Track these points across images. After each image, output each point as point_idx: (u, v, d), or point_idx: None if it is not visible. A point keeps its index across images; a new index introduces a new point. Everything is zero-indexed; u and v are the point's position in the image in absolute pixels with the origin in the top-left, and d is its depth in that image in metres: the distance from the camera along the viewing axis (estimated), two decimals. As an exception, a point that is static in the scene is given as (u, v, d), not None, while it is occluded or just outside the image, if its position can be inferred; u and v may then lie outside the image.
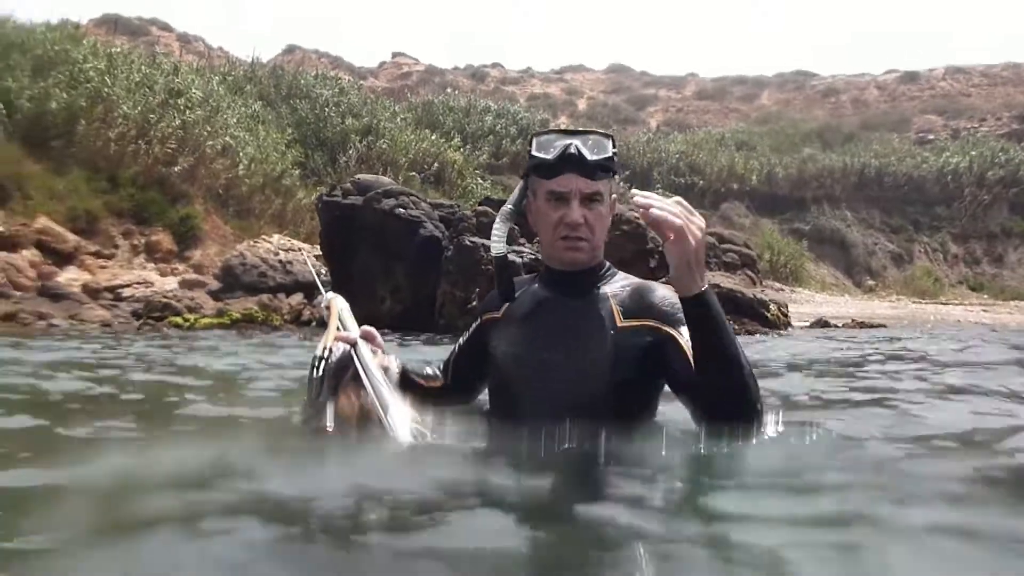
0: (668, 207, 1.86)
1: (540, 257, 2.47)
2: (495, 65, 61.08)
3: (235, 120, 19.86)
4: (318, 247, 13.54)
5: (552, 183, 2.22)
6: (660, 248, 10.35)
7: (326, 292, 2.49)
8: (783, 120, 47.42)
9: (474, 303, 8.50)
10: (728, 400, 1.96)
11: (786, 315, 11.25)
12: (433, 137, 26.81)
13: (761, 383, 2.03)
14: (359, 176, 13.33)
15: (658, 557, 1.33)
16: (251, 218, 18.59)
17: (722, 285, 10.19)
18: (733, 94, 57.31)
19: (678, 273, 1.88)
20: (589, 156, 2.19)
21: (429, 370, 2.59)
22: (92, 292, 12.05)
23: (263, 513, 1.47)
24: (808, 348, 7.86)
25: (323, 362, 2.15)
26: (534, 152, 2.26)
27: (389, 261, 11.01)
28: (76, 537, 1.43)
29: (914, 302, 27.17)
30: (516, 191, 2.38)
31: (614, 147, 2.26)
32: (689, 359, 2.04)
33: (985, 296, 31.15)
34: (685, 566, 1.31)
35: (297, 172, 20.97)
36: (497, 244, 2.34)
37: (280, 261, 13.93)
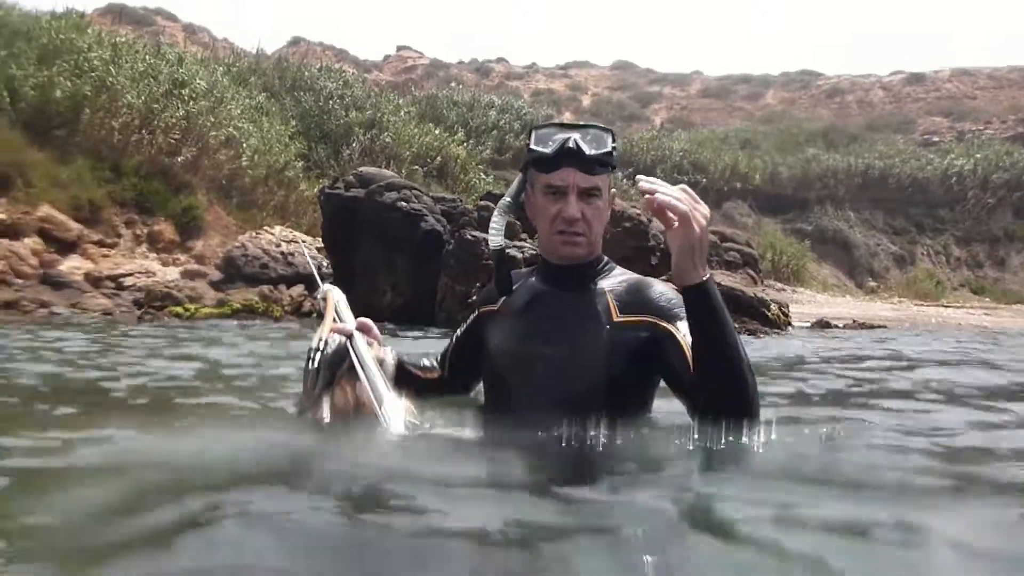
0: (673, 193, 1.85)
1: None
2: (500, 60, 61.02)
3: (239, 111, 19.84)
4: (320, 239, 13.54)
5: (550, 177, 2.21)
6: (662, 245, 10.31)
7: (323, 284, 2.49)
8: (787, 119, 47.35)
9: (474, 297, 8.51)
10: (725, 393, 1.95)
11: (787, 315, 11.23)
12: (437, 131, 26.76)
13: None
14: (362, 169, 13.31)
15: (650, 553, 1.33)
16: (254, 209, 18.58)
17: (723, 283, 10.17)
18: (738, 93, 57.22)
19: (680, 261, 1.88)
20: (588, 150, 2.17)
21: (426, 362, 2.59)
22: (94, 281, 12.07)
23: (252, 505, 1.47)
24: (804, 347, 7.86)
25: (319, 353, 2.15)
26: (532, 145, 2.25)
27: (390, 254, 11.01)
28: (66, 524, 1.43)
29: (916, 304, 27.13)
30: (515, 184, 2.38)
31: (613, 142, 2.25)
32: (686, 355, 2.03)
33: (987, 299, 31.10)
34: (677, 561, 1.31)
35: (300, 164, 20.94)
36: (495, 237, 2.34)
37: (282, 253, 13.94)
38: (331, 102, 25.16)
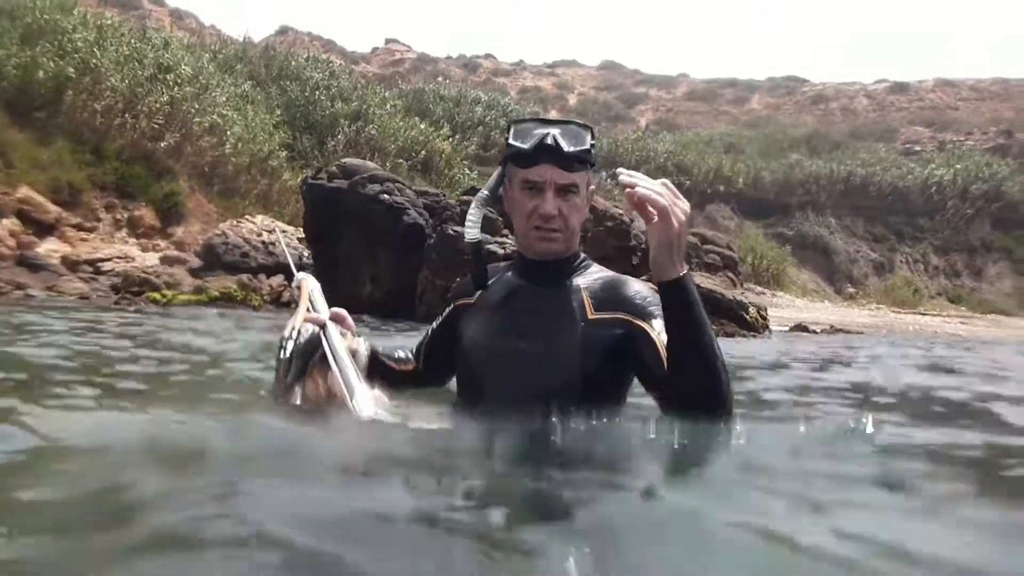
0: (654, 187, 1.84)
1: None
2: (488, 56, 60.93)
3: (224, 99, 19.73)
4: (302, 230, 13.50)
5: (527, 172, 2.20)
6: (643, 245, 10.34)
7: (298, 273, 2.48)
8: (772, 125, 47.59)
9: (454, 292, 8.51)
10: (700, 390, 1.94)
11: (765, 318, 11.30)
12: (422, 125, 26.74)
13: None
14: (345, 160, 13.27)
15: (616, 548, 1.33)
16: (236, 197, 18.50)
17: (702, 285, 10.22)
18: (724, 96, 57.43)
19: (658, 256, 1.87)
20: (566, 147, 2.17)
21: (401, 353, 2.58)
22: (72, 264, 11.97)
23: (214, 496, 1.46)
24: (772, 349, 7.91)
25: (291, 343, 2.14)
26: (511, 140, 2.24)
27: (372, 247, 11.00)
28: (38, 506, 1.43)
29: (893, 311, 27.35)
30: (493, 177, 2.37)
31: (593, 139, 2.24)
32: (660, 352, 2.03)
33: (963, 308, 31.41)
34: (648, 556, 1.32)
35: (284, 154, 20.87)
36: (471, 230, 2.32)
37: (263, 242, 13.89)
38: (317, 92, 25.07)
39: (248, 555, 1.20)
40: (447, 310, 2.51)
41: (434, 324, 2.56)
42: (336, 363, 2.09)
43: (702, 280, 10.80)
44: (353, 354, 2.19)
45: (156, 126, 17.00)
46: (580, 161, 2.21)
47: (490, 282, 2.38)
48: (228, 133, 18.61)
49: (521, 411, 2.04)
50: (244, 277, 11.79)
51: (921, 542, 1.37)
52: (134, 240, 14.86)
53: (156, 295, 9.71)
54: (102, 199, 15.09)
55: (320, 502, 1.47)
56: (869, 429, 2.24)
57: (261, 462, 1.76)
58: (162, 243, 15.15)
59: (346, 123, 23.76)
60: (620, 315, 2.16)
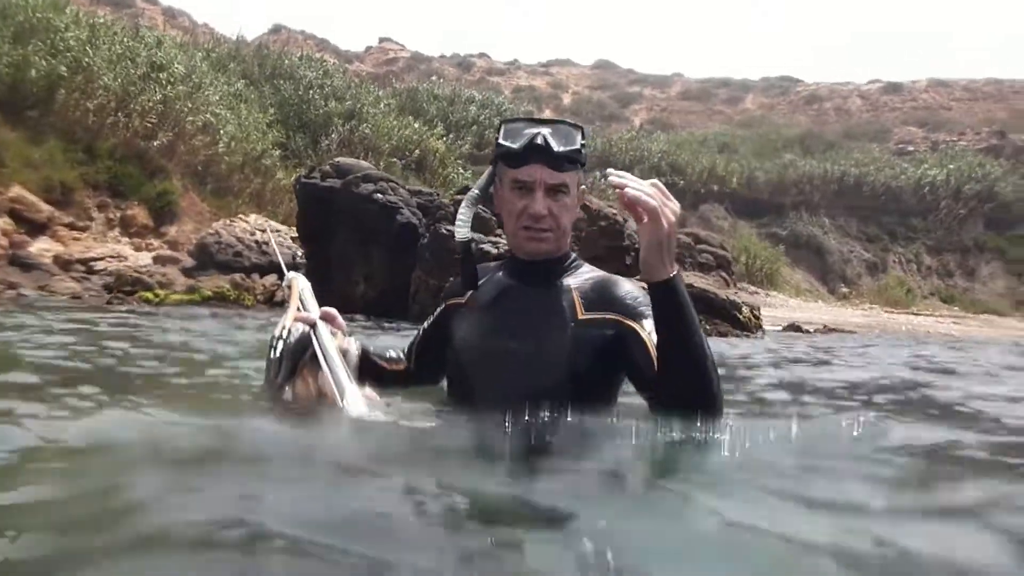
0: (643, 188, 1.85)
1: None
2: (482, 55, 60.97)
3: (217, 97, 19.70)
4: (296, 229, 13.48)
5: (517, 172, 2.19)
6: (636, 245, 10.36)
7: (288, 272, 2.48)
8: (766, 125, 47.73)
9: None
10: (690, 390, 1.95)
11: (758, 318, 11.30)
12: (416, 124, 26.75)
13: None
14: (338, 159, 13.25)
15: (607, 545, 1.33)
16: (229, 197, 18.48)
17: (695, 285, 10.23)
18: (718, 96, 57.54)
19: (648, 256, 1.87)
20: (556, 147, 2.16)
21: (392, 353, 2.57)
22: (64, 264, 11.94)
23: (209, 497, 1.46)
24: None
25: (282, 342, 2.13)
26: (501, 140, 2.23)
27: (366, 246, 10.98)
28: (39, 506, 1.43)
29: (886, 311, 27.42)
30: (484, 176, 2.37)
31: (583, 138, 2.24)
32: (650, 352, 2.03)
33: (956, 308, 31.50)
34: (637, 555, 1.32)
35: (277, 153, 20.85)
36: (461, 229, 2.30)
37: (256, 241, 13.88)
38: (311, 91, 25.06)
39: (245, 555, 1.20)
40: (438, 310, 2.50)
41: (425, 324, 2.55)
42: (326, 362, 2.09)
43: (696, 280, 10.81)
44: (344, 353, 2.19)
45: (149, 125, 16.97)
46: (570, 161, 2.20)
47: (481, 282, 2.37)
48: (221, 132, 18.58)
49: (511, 411, 2.03)
50: (237, 277, 11.76)
51: (919, 540, 1.38)
52: (127, 239, 14.83)
53: (149, 295, 9.68)
54: (95, 198, 15.05)
55: (314, 502, 1.47)
56: (860, 429, 2.24)
57: (254, 462, 1.76)
58: (155, 242, 15.12)
59: (340, 122, 23.76)
60: (611, 315, 2.16)
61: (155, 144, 16.88)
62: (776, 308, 21.75)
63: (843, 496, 1.68)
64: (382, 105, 27.39)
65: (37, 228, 13.09)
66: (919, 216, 36.96)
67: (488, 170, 2.36)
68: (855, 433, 2.45)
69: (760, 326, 11.25)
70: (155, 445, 1.87)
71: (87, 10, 21.25)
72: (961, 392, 4.53)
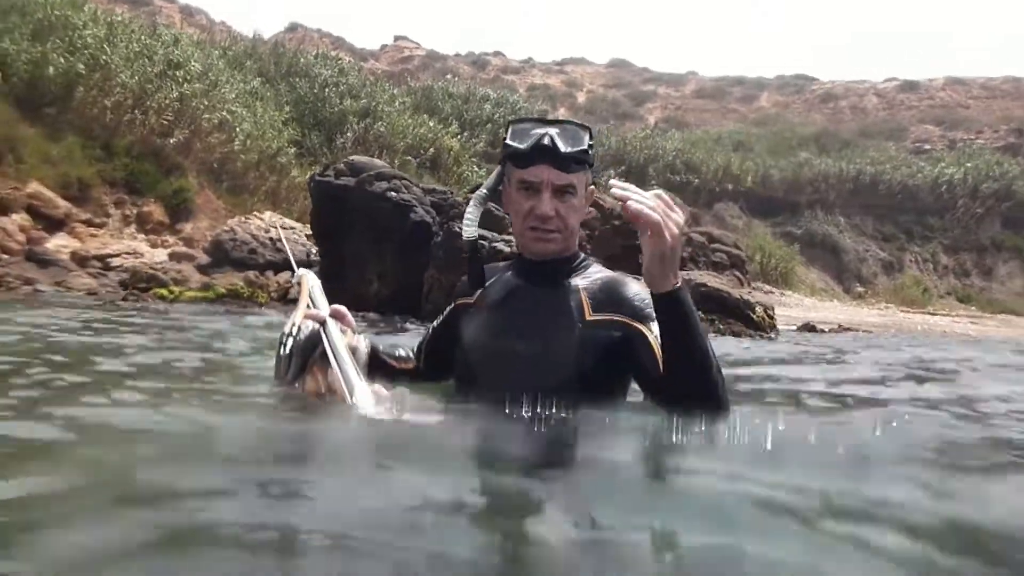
0: (646, 200, 1.83)
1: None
2: (496, 54, 60.93)
3: (233, 95, 19.80)
4: (310, 226, 13.52)
5: (524, 173, 2.20)
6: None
7: (298, 269, 2.50)
8: (781, 123, 47.51)
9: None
10: (695, 397, 1.96)
11: (772, 318, 11.24)
12: (431, 123, 26.78)
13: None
14: (352, 157, 13.27)
15: (615, 549, 1.34)
16: (244, 194, 18.56)
17: (709, 284, 10.20)
18: (732, 94, 57.32)
19: (651, 268, 1.87)
20: (563, 148, 2.16)
21: (401, 352, 2.58)
22: (80, 260, 12.03)
23: (221, 492, 1.48)
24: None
25: (291, 339, 2.15)
26: (508, 140, 2.24)
27: (379, 244, 11.00)
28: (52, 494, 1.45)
29: (902, 311, 27.26)
30: (493, 176, 2.38)
31: (591, 139, 2.24)
32: (657, 356, 2.04)
33: (973, 308, 31.29)
34: (646, 553, 1.32)
35: (293, 150, 20.92)
36: (469, 228, 2.31)
37: (271, 239, 13.93)
38: (326, 89, 25.13)
39: (252, 551, 1.22)
40: (448, 309, 2.52)
41: (435, 323, 2.56)
42: (336, 360, 2.09)
43: (709, 279, 10.77)
44: (353, 351, 2.19)
45: (166, 122, 17.07)
46: (577, 162, 2.20)
47: (490, 282, 2.38)
48: (237, 130, 18.68)
49: (519, 410, 2.05)
50: (251, 274, 11.82)
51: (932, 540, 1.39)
52: (143, 236, 14.93)
53: (163, 291, 9.75)
54: (111, 195, 15.16)
55: (324, 498, 1.48)
56: (879, 429, 2.24)
57: (265, 459, 1.78)
58: (171, 239, 15.22)
59: (355, 120, 23.82)
60: (618, 317, 2.16)
61: (171, 141, 16.98)
62: (791, 307, 21.65)
63: (856, 495, 1.68)
64: (397, 103, 27.45)
65: (54, 224, 13.21)
66: (936, 215, 36.74)
67: (497, 170, 2.37)
68: (872, 431, 2.45)
69: (774, 326, 11.20)
70: (169, 442, 1.88)
71: (105, 8, 21.36)
72: (975, 390, 4.51)
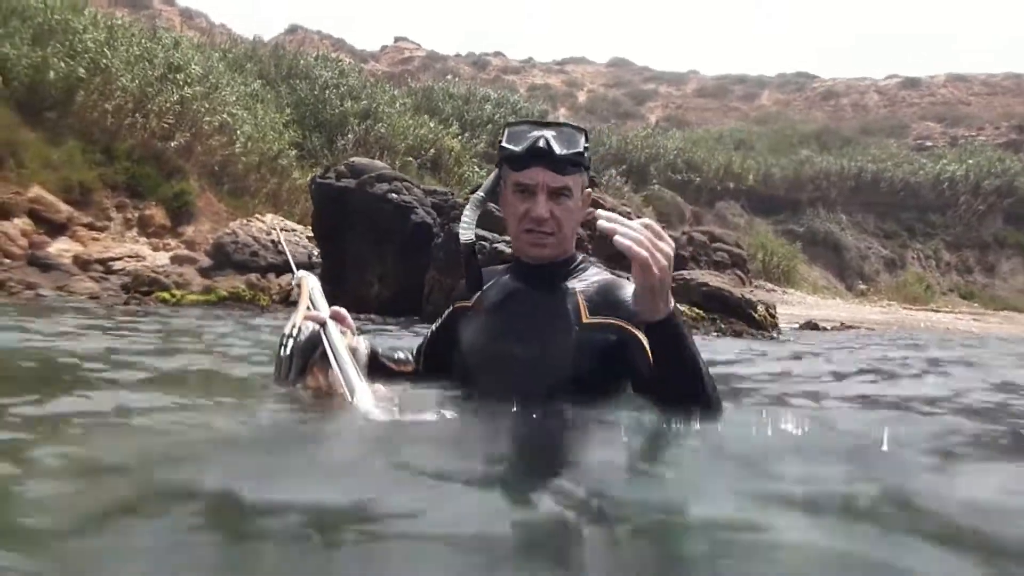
0: (633, 233, 1.78)
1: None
2: (497, 54, 60.96)
3: (234, 98, 19.82)
4: (311, 228, 13.54)
5: (520, 175, 2.19)
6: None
7: (297, 271, 2.50)
8: (782, 121, 47.48)
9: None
10: (687, 400, 1.97)
11: (773, 316, 11.23)
12: (432, 124, 26.80)
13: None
14: (353, 159, 13.29)
15: (616, 544, 1.35)
16: (246, 196, 18.58)
17: (710, 283, 10.21)
18: (733, 93, 57.32)
19: (640, 301, 1.85)
20: (558, 150, 2.15)
21: (401, 354, 2.57)
22: (83, 264, 12.05)
23: (219, 497, 1.49)
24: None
25: (291, 340, 2.16)
26: (504, 142, 2.22)
27: (380, 246, 11.00)
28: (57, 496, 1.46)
29: (904, 308, 27.24)
30: (490, 178, 2.37)
31: (587, 141, 2.23)
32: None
33: (976, 305, 31.25)
34: (644, 552, 1.33)
35: (294, 153, 20.94)
36: (465, 231, 2.32)
37: (272, 241, 13.95)
38: (327, 91, 25.15)
39: (252, 550, 1.23)
40: (447, 312, 2.52)
41: (434, 326, 2.56)
42: (336, 361, 2.10)
43: (710, 278, 10.76)
44: (353, 352, 2.20)
45: (166, 125, 17.10)
46: (573, 164, 2.19)
47: (488, 285, 2.38)
48: (238, 132, 18.69)
49: (515, 413, 2.05)
50: (253, 277, 11.83)
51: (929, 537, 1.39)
52: (145, 239, 14.95)
53: (165, 295, 9.76)
54: (113, 198, 15.19)
55: (324, 498, 1.49)
56: (885, 444, 2.23)
57: (266, 459, 1.79)
58: (172, 242, 15.23)
59: (356, 121, 23.84)
60: (614, 320, 2.15)
61: (172, 145, 17.01)
62: (793, 306, 21.63)
63: (856, 491, 1.69)
64: (398, 104, 27.47)
65: (56, 228, 13.23)
66: (938, 212, 36.71)
67: (493, 173, 2.36)
68: (874, 427, 2.45)
69: (776, 324, 11.18)
70: (173, 444, 1.89)
71: (105, 12, 21.42)
72: (972, 386, 4.51)
